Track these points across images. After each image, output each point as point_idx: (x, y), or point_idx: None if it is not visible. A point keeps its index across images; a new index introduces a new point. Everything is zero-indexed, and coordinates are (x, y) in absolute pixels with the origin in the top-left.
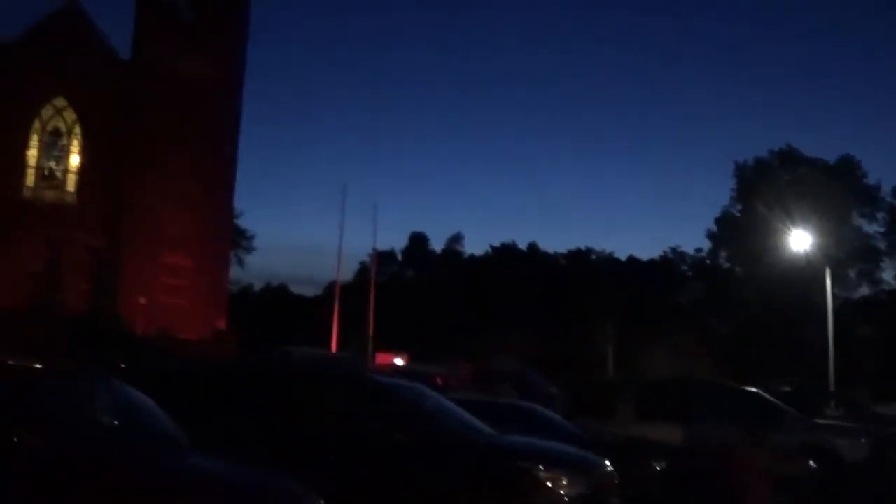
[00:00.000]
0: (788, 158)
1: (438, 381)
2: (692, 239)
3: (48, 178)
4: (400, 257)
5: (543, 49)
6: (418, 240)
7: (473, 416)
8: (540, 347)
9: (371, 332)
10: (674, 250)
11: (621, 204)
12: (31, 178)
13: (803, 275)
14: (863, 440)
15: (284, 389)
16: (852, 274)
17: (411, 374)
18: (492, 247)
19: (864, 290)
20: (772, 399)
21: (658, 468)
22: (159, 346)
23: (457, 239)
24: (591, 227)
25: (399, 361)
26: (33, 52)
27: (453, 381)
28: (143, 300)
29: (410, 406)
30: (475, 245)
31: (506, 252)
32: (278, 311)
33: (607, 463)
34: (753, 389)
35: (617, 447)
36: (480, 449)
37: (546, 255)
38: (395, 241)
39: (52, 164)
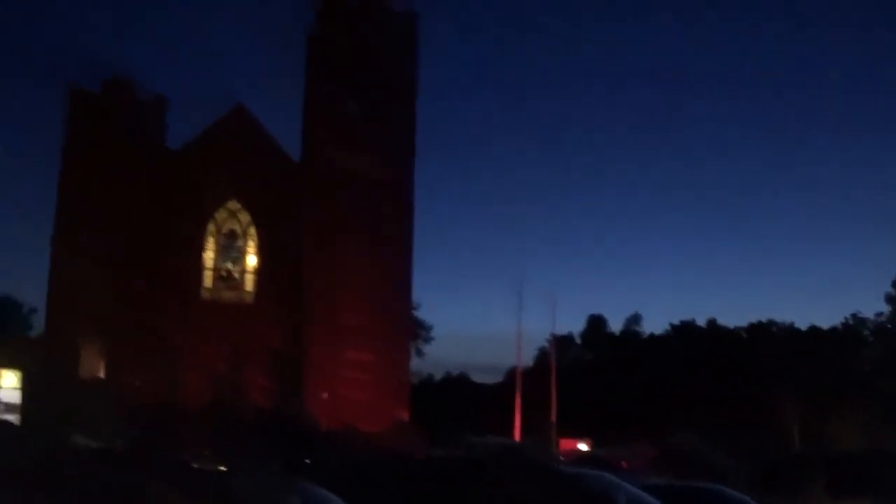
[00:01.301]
0: None
1: (623, 465)
2: (873, 303)
3: (226, 280)
4: (579, 340)
5: (709, 128)
6: (596, 322)
7: (662, 503)
8: (723, 424)
9: (553, 418)
10: (854, 316)
11: (800, 273)
12: (209, 280)
13: None
14: None
15: (472, 480)
16: None
17: (595, 459)
18: (671, 325)
19: None
20: None
21: None
22: (343, 441)
23: (635, 319)
24: (771, 298)
25: (583, 446)
26: (205, 158)
27: (637, 464)
28: (325, 395)
29: (599, 496)
30: (654, 324)
31: (685, 330)
32: (460, 399)
33: None
34: None
35: None
36: None
37: (726, 330)
38: (573, 324)
39: (230, 265)
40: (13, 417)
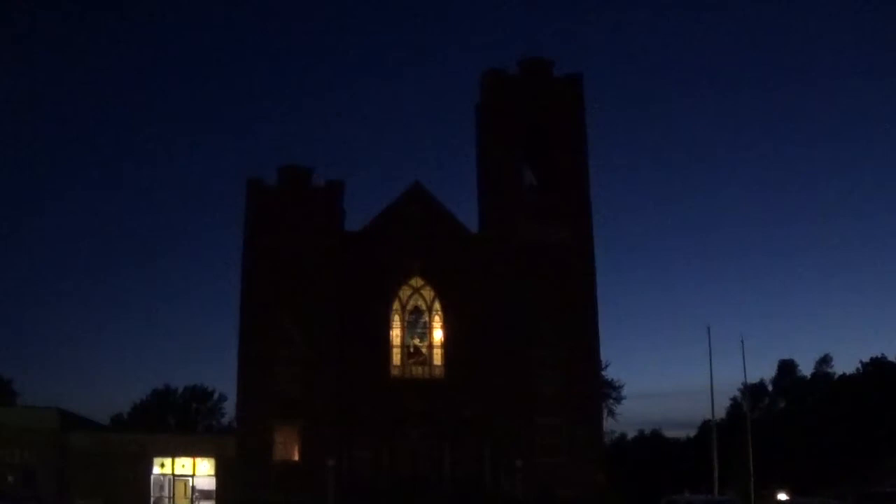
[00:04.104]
0: None
1: None
2: None
3: (414, 355)
4: (770, 387)
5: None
6: (787, 367)
7: None
8: None
9: (750, 469)
10: None
11: None
12: (397, 357)
13: None
14: None
15: None
16: None
17: None
18: (861, 363)
19: None
20: None
21: None
22: None
23: (825, 361)
24: None
25: (782, 496)
26: (385, 238)
27: None
28: (518, 462)
29: None
30: (845, 364)
31: (876, 367)
32: (654, 456)
33: None
34: None
35: None
36: None
37: None
38: (764, 370)
39: (416, 341)
40: None
